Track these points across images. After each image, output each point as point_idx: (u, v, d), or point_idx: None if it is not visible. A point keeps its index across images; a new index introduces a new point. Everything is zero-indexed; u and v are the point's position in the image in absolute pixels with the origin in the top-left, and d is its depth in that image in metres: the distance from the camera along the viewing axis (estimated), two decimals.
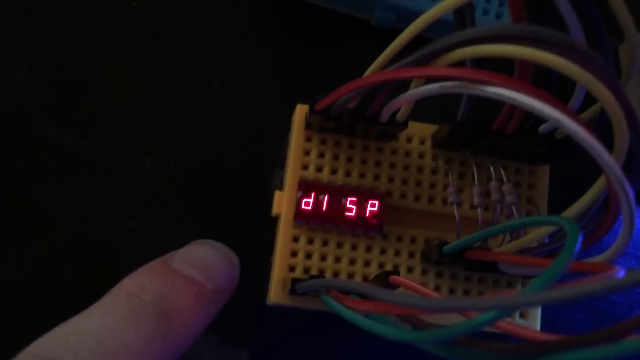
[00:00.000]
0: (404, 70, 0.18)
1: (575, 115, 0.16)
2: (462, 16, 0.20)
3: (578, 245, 0.15)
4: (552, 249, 0.21)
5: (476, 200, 0.23)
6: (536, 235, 0.20)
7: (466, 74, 0.17)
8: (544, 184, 0.26)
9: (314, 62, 0.29)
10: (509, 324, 0.17)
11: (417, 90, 0.19)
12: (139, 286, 0.21)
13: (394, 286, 0.22)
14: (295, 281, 0.22)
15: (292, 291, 0.22)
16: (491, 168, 0.23)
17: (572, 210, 0.19)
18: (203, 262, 0.23)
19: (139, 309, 0.20)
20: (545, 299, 0.13)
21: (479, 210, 0.23)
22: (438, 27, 0.23)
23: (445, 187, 0.26)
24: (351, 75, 0.29)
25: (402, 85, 0.20)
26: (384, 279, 0.22)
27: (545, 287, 0.14)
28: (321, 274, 0.25)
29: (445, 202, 0.26)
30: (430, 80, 0.19)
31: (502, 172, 0.23)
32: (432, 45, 0.18)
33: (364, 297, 0.19)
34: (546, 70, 0.20)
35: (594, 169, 0.27)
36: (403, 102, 0.20)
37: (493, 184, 0.23)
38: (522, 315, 0.25)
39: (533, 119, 0.22)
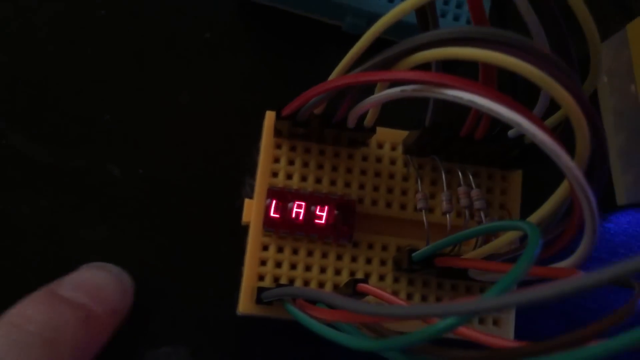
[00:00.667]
0: (363, 75, 0.17)
1: (535, 117, 0.16)
2: (424, 18, 0.19)
3: (537, 250, 0.14)
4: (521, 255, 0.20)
5: (445, 206, 0.23)
6: (504, 240, 0.19)
7: (425, 77, 0.16)
8: (516, 190, 0.26)
9: (286, 69, 0.29)
10: (475, 331, 0.17)
11: (379, 95, 0.18)
12: (23, 316, 0.20)
13: (363, 294, 0.21)
14: (261, 290, 0.22)
15: (259, 300, 0.22)
16: (459, 174, 0.23)
17: (536, 216, 0.18)
18: (92, 285, 0.22)
19: (22, 339, 0.20)
20: (502, 304, 0.13)
21: (447, 216, 0.22)
22: (404, 30, 0.23)
23: (417, 193, 0.26)
24: (324, 80, 0.29)
25: (368, 89, 0.20)
26: (352, 287, 0.21)
27: (504, 292, 0.14)
28: (291, 282, 0.25)
29: (416, 208, 0.26)
30: (395, 83, 0.19)
31: (471, 177, 0.23)
32: (393, 48, 0.18)
33: (329, 306, 0.19)
34: (511, 74, 0.20)
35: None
36: (367, 106, 0.19)
37: (461, 189, 0.22)
38: (495, 323, 0.25)
39: (502, 124, 0.22)
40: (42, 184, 0.26)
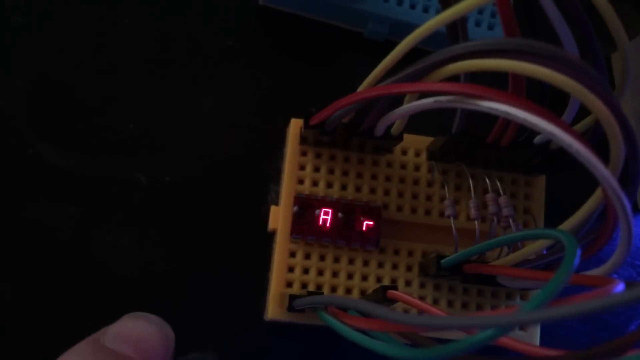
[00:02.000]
0: (396, 86, 0.18)
1: (569, 128, 0.16)
2: (455, 30, 0.20)
3: (577, 261, 0.15)
4: (551, 261, 0.21)
5: (473, 213, 0.23)
6: (534, 248, 0.20)
7: (459, 88, 0.17)
8: (540, 195, 0.26)
9: (307, 75, 0.29)
10: (508, 338, 0.17)
11: (411, 105, 0.18)
12: None
13: (392, 301, 0.22)
14: (292, 298, 0.22)
15: (290, 308, 0.22)
16: (487, 180, 0.23)
17: (570, 223, 0.19)
18: (135, 336, 0.23)
19: None
20: (544, 317, 0.13)
21: (475, 223, 0.23)
22: (433, 39, 0.23)
23: (442, 200, 0.26)
24: (345, 88, 0.29)
25: (397, 99, 0.20)
26: (382, 294, 0.22)
27: (544, 304, 0.14)
28: (318, 288, 0.25)
29: (442, 214, 0.26)
30: (424, 94, 0.19)
31: (498, 183, 0.23)
32: (425, 60, 0.18)
33: (363, 314, 0.19)
34: (540, 82, 0.20)
35: (591, 179, 0.28)
36: (397, 116, 0.20)
37: (489, 196, 0.22)
38: (520, 327, 0.25)
39: (528, 130, 0.22)
40: (70, 193, 0.26)
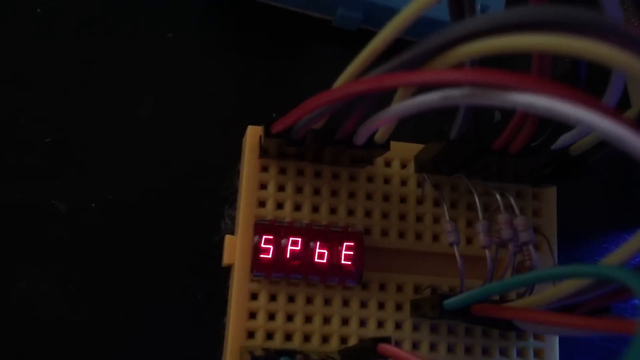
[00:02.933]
0: (391, 77, 0.13)
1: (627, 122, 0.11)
2: (459, 4, 0.15)
3: None
4: (582, 301, 0.16)
5: (482, 239, 0.18)
6: (569, 287, 0.15)
7: (482, 77, 0.12)
8: (551, 210, 0.22)
9: (266, 73, 0.24)
10: None
11: (410, 104, 0.14)
12: None
13: (384, 357, 0.17)
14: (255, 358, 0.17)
15: None
16: (498, 197, 0.18)
17: (623, 254, 0.14)
18: None
19: None
20: None
21: (487, 252, 0.18)
22: (420, 27, 0.18)
23: (435, 220, 0.21)
24: (313, 87, 0.24)
25: (383, 99, 0.16)
26: (372, 348, 0.17)
27: None
28: (288, 338, 0.20)
29: (435, 238, 0.21)
30: (422, 88, 0.14)
31: (512, 201, 0.18)
32: (426, 42, 0.13)
33: None
34: (573, 63, 0.16)
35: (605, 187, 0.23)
36: (386, 120, 0.15)
37: (502, 217, 0.18)
38: (537, 355, 0.21)
39: (548, 134, 0.18)
40: None
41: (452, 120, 0.18)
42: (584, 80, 0.16)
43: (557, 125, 0.18)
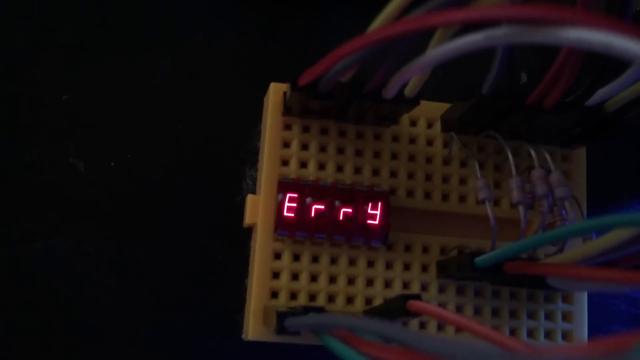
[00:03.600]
0: (438, 15, 0.12)
1: None
2: None
3: None
4: (623, 256, 0.16)
5: (516, 195, 0.17)
6: (612, 239, 0.15)
7: (535, 12, 0.11)
8: (581, 171, 0.21)
9: (284, 33, 0.23)
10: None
11: (451, 47, 0.13)
12: None
13: (414, 314, 0.16)
14: (282, 316, 0.16)
15: (280, 330, 0.16)
16: (532, 153, 0.18)
17: None
18: None
19: None
20: None
21: (520, 209, 0.17)
22: None
23: (462, 181, 0.21)
24: (332, 45, 0.23)
25: (414, 48, 0.15)
26: (401, 305, 0.16)
27: None
28: (312, 298, 0.20)
29: (462, 198, 0.21)
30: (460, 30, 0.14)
31: (548, 157, 0.18)
32: None
33: (387, 340, 0.14)
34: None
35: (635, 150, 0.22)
36: (426, 65, 0.14)
37: (537, 172, 0.17)
38: (564, 318, 0.20)
39: (582, 89, 0.17)
40: None
41: (480, 77, 0.18)
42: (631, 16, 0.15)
43: (594, 80, 0.17)
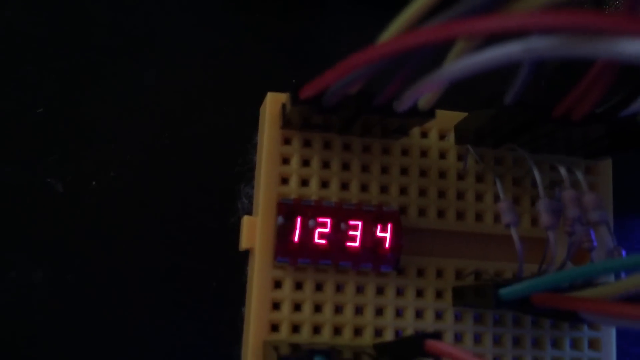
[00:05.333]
0: (464, 24, 0.10)
1: None
2: None
3: None
4: None
5: (546, 220, 0.16)
6: None
7: (584, 20, 0.09)
8: (607, 184, 0.20)
9: (281, 36, 0.22)
10: None
11: (480, 59, 0.11)
12: None
13: (431, 355, 0.15)
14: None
15: None
16: (561, 169, 0.16)
17: None
18: None
19: None
20: None
21: (549, 235, 0.16)
22: None
23: (478, 197, 0.19)
24: (335, 51, 0.21)
25: (432, 59, 0.13)
26: (418, 345, 0.15)
27: None
28: (317, 331, 0.18)
29: (479, 217, 0.19)
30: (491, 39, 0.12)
31: (580, 176, 0.16)
32: None
33: None
34: None
35: None
36: (448, 79, 0.12)
37: (568, 194, 0.15)
38: (591, 346, 0.19)
39: (620, 98, 0.15)
40: None
41: (500, 85, 0.16)
42: None
43: (630, 92, 0.16)
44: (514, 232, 0.16)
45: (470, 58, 0.12)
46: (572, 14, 0.10)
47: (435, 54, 0.13)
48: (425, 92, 0.14)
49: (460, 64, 0.12)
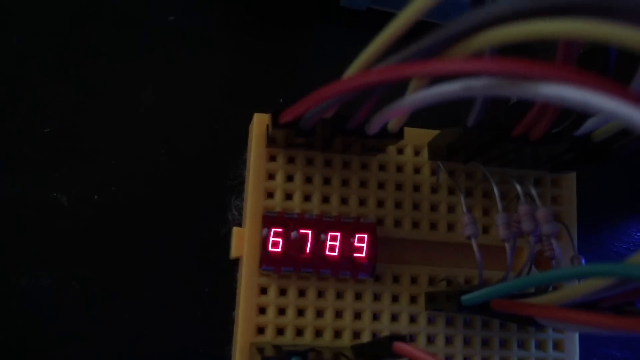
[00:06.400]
0: (411, 66, 0.12)
1: None
2: None
3: None
4: (609, 296, 0.15)
5: (502, 232, 0.17)
6: (595, 284, 0.14)
7: (511, 67, 0.11)
8: (571, 197, 0.21)
9: (271, 57, 0.23)
10: None
11: (428, 94, 0.13)
12: None
13: (398, 356, 0.16)
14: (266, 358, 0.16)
15: None
16: (517, 187, 0.17)
17: None
18: None
19: None
20: None
21: (506, 246, 0.17)
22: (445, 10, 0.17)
23: (450, 209, 0.20)
24: (320, 71, 0.23)
25: (397, 87, 0.15)
26: (387, 347, 0.16)
27: None
28: (299, 333, 0.19)
29: (450, 227, 0.20)
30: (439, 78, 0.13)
31: (533, 191, 0.18)
32: (444, 29, 0.12)
33: None
34: (603, 50, 0.15)
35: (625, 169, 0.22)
36: (404, 109, 0.14)
37: (523, 209, 0.17)
38: (556, 347, 0.20)
39: (571, 120, 0.17)
40: None
41: (468, 105, 0.17)
42: (613, 68, 0.15)
43: (581, 113, 0.17)
44: (474, 244, 0.17)
45: (423, 92, 0.13)
46: (502, 61, 0.11)
47: (397, 85, 0.14)
48: (390, 117, 0.16)
49: (416, 96, 0.14)
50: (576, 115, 0.17)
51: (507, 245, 0.17)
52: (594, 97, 0.10)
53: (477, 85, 0.12)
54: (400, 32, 0.13)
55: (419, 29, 0.13)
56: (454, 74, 0.12)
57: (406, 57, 0.13)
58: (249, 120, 0.21)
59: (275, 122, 0.17)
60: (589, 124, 0.17)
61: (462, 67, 0.11)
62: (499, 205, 0.17)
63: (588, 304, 0.16)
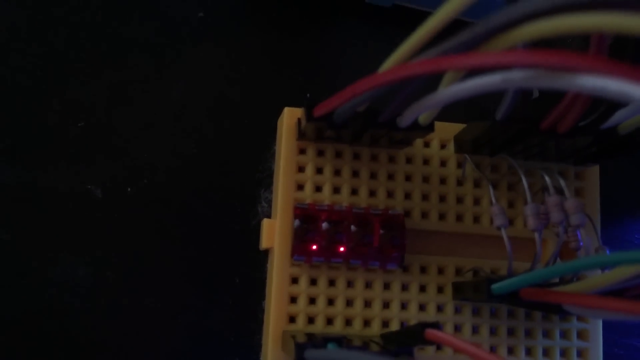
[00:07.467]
0: (451, 59, 0.12)
1: None
2: None
3: None
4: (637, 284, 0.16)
5: (531, 222, 0.18)
6: (622, 273, 0.15)
7: (551, 59, 0.11)
8: (594, 189, 0.21)
9: (296, 53, 0.24)
10: None
11: (466, 87, 0.13)
12: None
13: (431, 343, 0.17)
14: (301, 347, 0.17)
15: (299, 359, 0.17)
16: (546, 177, 0.18)
17: None
18: None
19: None
20: None
21: (536, 236, 0.18)
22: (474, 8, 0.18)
23: (476, 201, 0.21)
24: (346, 66, 0.23)
25: (430, 81, 0.15)
26: (419, 334, 0.17)
27: None
28: (329, 322, 0.20)
29: (476, 219, 0.21)
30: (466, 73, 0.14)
31: (562, 182, 0.18)
32: (483, 24, 0.13)
33: None
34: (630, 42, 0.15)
35: None
36: (440, 102, 0.14)
37: (552, 199, 0.17)
38: (579, 336, 0.20)
39: (599, 113, 0.17)
40: (3, 214, 0.21)
41: (494, 99, 0.18)
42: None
43: (609, 107, 0.17)
44: (504, 234, 0.18)
45: (461, 85, 0.14)
46: (539, 53, 0.12)
47: (431, 79, 0.15)
48: (422, 111, 0.16)
49: (450, 90, 0.14)
50: (604, 108, 0.18)
51: (537, 235, 0.17)
52: (633, 88, 0.11)
53: (517, 76, 0.12)
54: (438, 28, 0.13)
55: (446, 27, 0.13)
56: (492, 66, 0.12)
57: (444, 51, 0.13)
58: (275, 114, 0.21)
59: (309, 116, 0.17)
60: (616, 117, 0.18)
61: (501, 60, 0.12)
62: (528, 196, 0.18)
63: (614, 293, 0.16)
